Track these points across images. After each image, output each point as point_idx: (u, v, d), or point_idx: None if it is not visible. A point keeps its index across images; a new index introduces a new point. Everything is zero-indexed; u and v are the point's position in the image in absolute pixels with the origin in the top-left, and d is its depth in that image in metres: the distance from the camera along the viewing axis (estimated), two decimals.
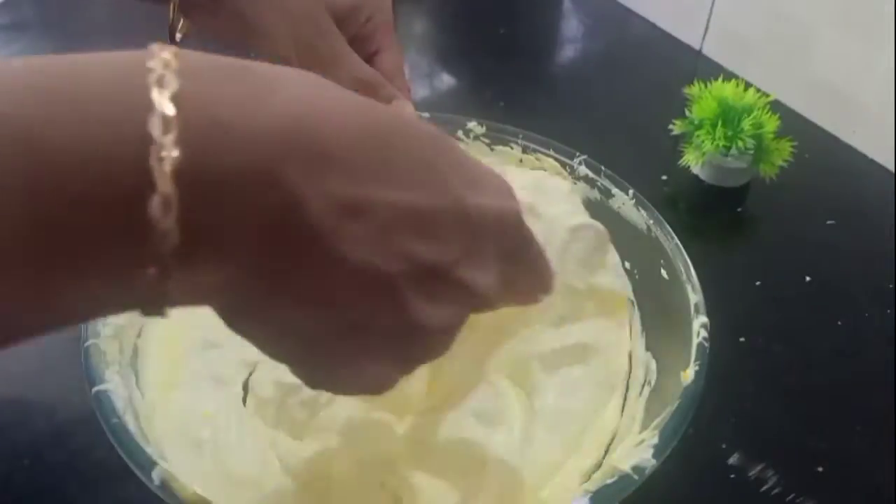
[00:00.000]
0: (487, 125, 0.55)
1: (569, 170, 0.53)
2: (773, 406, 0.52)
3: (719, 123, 0.66)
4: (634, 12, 0.95)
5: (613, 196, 0.51)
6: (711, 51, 0.87)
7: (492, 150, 0.55)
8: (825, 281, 0.63)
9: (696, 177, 0.72)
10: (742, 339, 0.55)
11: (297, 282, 0.23)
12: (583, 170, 0.52)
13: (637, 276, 0.50)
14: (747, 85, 0.70)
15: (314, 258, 0.22)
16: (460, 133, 0.55)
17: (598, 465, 0.43)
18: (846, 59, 0.74)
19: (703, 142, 0.67)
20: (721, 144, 0.66)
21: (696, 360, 0.40)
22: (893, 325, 0.59)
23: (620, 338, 0.49)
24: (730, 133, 0.66)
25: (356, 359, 0.26)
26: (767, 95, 0.69)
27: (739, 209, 0.70)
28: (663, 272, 0.47)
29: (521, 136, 0.54)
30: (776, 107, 0.69)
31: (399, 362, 0.28)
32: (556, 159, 0.53)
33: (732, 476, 0.48)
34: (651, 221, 0.49)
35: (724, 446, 0.50)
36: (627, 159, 0.73)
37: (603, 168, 0.52)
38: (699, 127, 0.68)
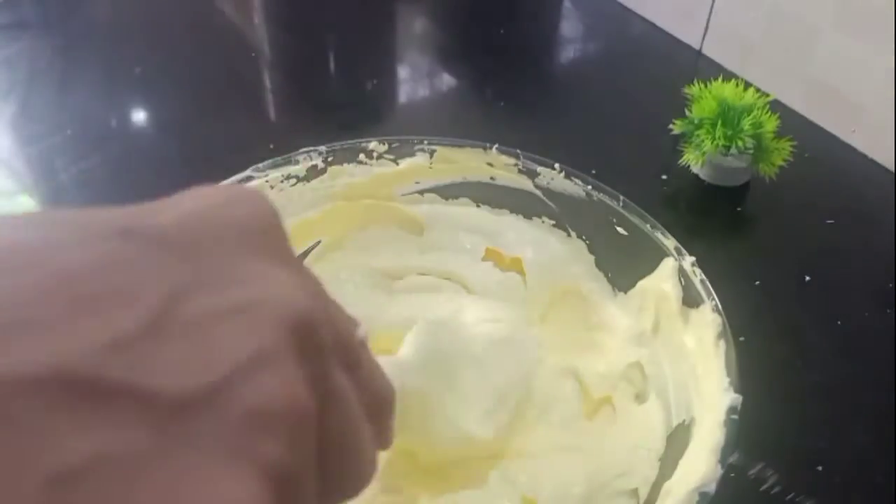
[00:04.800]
0: (388, 141, 0.54)
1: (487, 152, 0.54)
2: (773, 406, 0.52)
3: (719, 123, 0.66)
4: (634, 12, 0.95)
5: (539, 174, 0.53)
6: (711, 51, 0.87)
7: (397, 164, 0.55)
8: (825, 281, 0.63)
9: (696, 176, 0.72)
10: (742, 339, 0.55)
11: None
12: (500, 157, 0.54)
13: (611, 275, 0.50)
14: (747, 85, 0.69)
15: None
16: (362, 157, 0.54)
17: None
18: (846, 59, 0.74)
19: (702, 141, 0.67)
20: (721, 144, 0.66)
21: None
22: (893, 325, 0.59)
23: None
24: (730, 133, 0.66)
25: None
26: (767, 95, 0.69)
27: (739, 209, 0.70)
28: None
29: (425, 141, 0.54)
30: (776, 106, 0.69)
31: None
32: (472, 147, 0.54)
33: (732, 475, 0.48)
34: (589, 187, 0.51)
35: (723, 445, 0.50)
36: (627, 158, 0.74)
37: (519, 151, 0.53)
38: (699, 126, 0.68)
